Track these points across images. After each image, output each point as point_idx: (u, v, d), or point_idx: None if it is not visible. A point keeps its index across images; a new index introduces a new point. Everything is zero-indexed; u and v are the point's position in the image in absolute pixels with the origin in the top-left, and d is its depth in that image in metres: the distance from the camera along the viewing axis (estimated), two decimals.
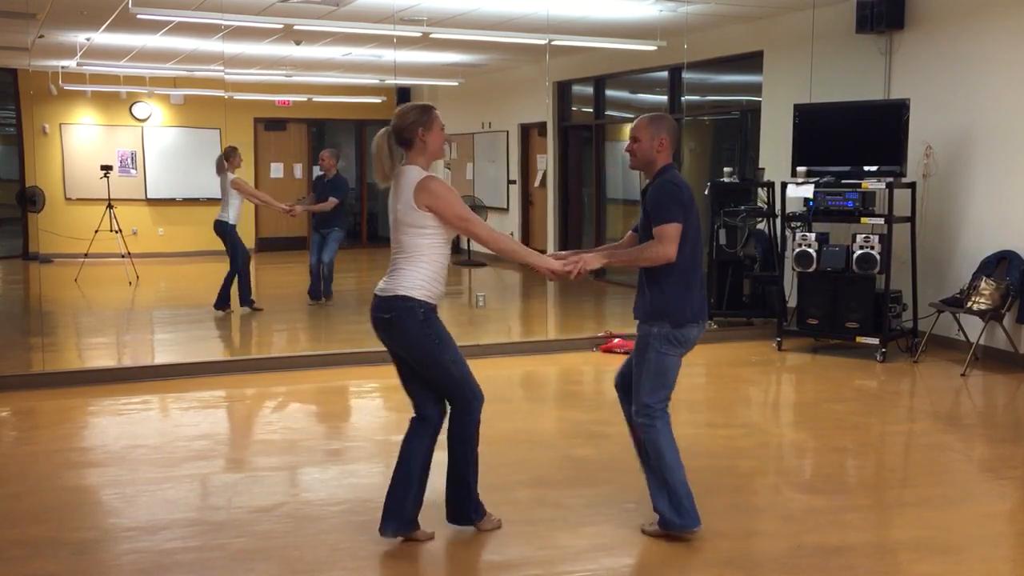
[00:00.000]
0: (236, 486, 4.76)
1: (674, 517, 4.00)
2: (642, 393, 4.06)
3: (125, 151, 15.05)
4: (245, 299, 9.81)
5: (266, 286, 13.10)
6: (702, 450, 5.35)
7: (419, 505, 4.04)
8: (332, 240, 10.34)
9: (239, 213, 9.77)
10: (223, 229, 9.73)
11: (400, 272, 3.88)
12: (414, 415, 4.11)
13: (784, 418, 6.54)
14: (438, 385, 4.02)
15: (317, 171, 11.05)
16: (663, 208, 3.98)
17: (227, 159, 9.74)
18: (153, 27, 9.61)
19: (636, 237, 4.23)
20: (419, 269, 3.87)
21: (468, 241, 14.05)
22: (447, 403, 4.08)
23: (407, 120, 3.98)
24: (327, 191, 10.27)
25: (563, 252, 4.21)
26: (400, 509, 3.99)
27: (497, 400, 6.74)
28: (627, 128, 12.82)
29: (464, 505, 4.10)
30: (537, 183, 13.76)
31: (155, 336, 9.61)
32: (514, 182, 14.07)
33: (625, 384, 4.26)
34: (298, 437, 5.71)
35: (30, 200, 13.88)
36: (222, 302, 9.73)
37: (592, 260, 4.07)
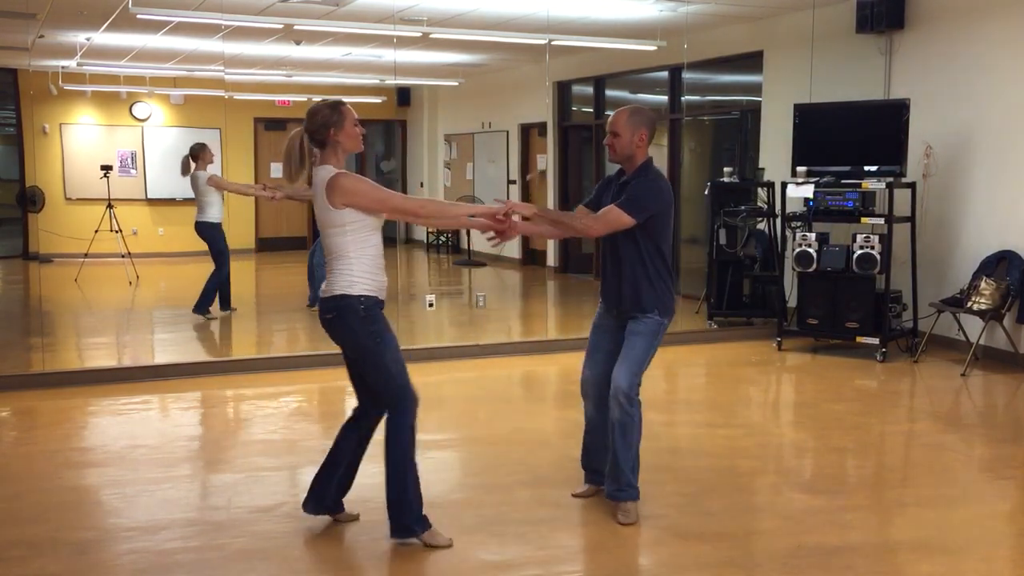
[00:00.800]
0: (236, 486, 4.76)
1: (636, 484, 4.22)
2: (638, 374, 4.16)
3: (125, 151, 15.04)
4: (227, 302, 9.59)
5: (266, 286, 13.11)
6: (702, 450, 5.35)
7: (343, 491, 4.18)
8: None
9: (223, 211, 9.45)
10: (208, 230, 9.36)
11: (334, 273, 3.90)
12: (355, 407, 4.16)
13: (784, 418, 6.54)
14: (373, 383, 3.99)
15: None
16: (635, 201, 4.08)
17: (196, 157, 9.35)
18: (153, 27, 9.60)
19: (586, 212, 4.32)
20: (350, 266, 3.87)
21: (468, 241, 14.07)
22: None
23: (317, 121, 3.91)
24: None
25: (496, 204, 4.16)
26: (323, 491, 4.15)
27: (497, 400, 6.76)
28: None
29: (404, 517, 3.96)
30: (529, 176, 13.78)
31: (155, 336, 9.61)
32: (514, 182, 14.07)
33: (600, 391, 4.31)
34: (298, 437, 5.71)
35: (30, 200, 13.88)
36: (224, 303, 9.56)
37: (524, 208, 4.14)
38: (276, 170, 16.39)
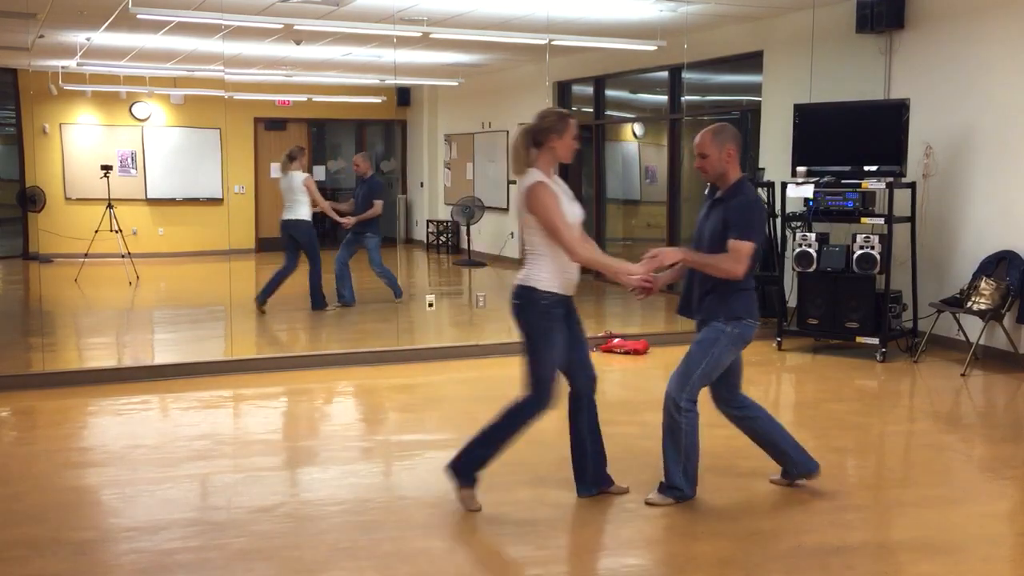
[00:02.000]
0: (236, 486, 4.76)
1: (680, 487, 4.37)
2: (689, 381, 4.31)
3: (125, 151, 15.05)
4: (320, 301, 9.98)
5: None
6: (702, 450, 5.33)
7: (601, 465, 4.48)
8: (372, 249, 10.21)
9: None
10: (301, 227, 9.80)
11: (529, 266, 4.25)
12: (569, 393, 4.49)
13: (784, 418, 6.50)
14: (525, 368, 4.28)
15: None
16: (746, 225, 4.23)
17: (295, 158, 9.87)
18: (153, 27, 9.60)
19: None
20: (543, 263, 4.21)
21: (468, 241, 14.07)
22: (567, 381, 4.40)
23: (543, 124, 4.25)
24: (368, 194, 10.22)
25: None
26: (582, 472, 4.46)
27: (497, 400, 6.73)
28: (627, 128, 12.82)
29: (460, 461, 4.33)
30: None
31: (155, 336, 9.62)
32: (514, 182, 14.05)
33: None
34: (298, 437, 5.71)
35: (30, 200, 13.89)
36: (319, 301, 9.93)
37: (671, 254, 4.28)
38: (276, 170, 16.40)
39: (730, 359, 4.36)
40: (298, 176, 9.83)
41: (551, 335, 4.21)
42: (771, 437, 4.56)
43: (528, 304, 4.20)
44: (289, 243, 9.91)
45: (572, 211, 4.28)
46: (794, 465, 4.57)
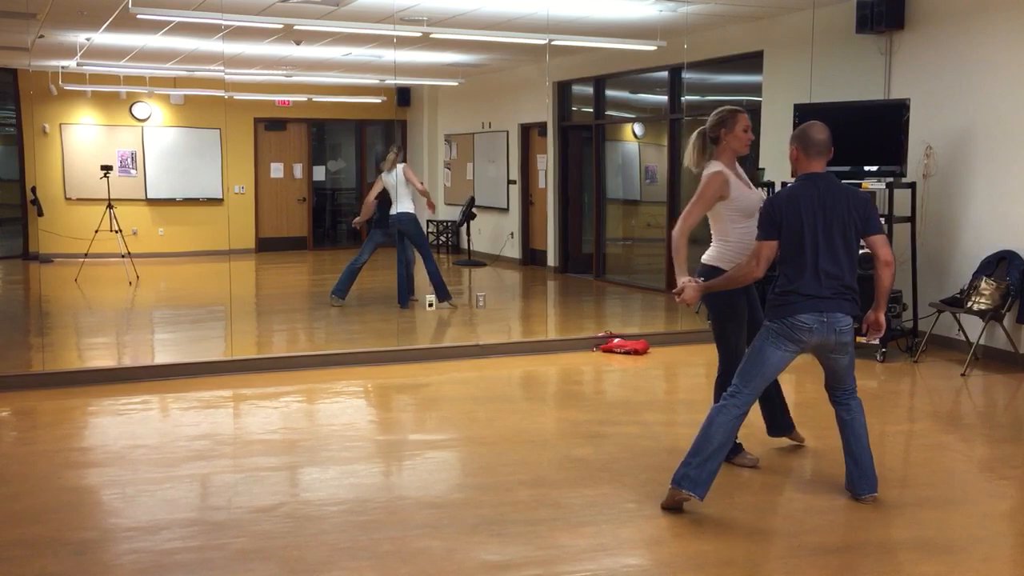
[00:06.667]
0: (236, 486, 4.76)
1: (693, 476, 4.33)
2: (738, 373, 4.44)
3: (125, 151, 15.06)
4: (406, 297, 10.07)
5: (267, 286, 13.11)
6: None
7: (784, 413, 5.17)
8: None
9: None
10: (412, 221, 9.98)
11: (714, 247, 4.74)
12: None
13: None
14: (718, 352, 4.82)
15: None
16: (759, 225, 4.40)
17: (396, 154, 10.11)
18: (153, 27, 9.60)
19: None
20: (724, 245, 4.70)
21: (468, 241, 14.07)
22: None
23: (715, 120, 4.76)
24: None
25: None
26: (771, 419, 5.18)
27: (497, 400, 6.76)
28: (627, 128, 12.81)
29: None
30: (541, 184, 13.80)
31: (155, 336, 9.62)
32: (514, 182, 14.07)
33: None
34: (298, 437, 5.71)
35: (35, 203, 13.92)
36: (443, 293, 10.00)
37: (694, 288, 4.51)
38: (276, 170, 16.43)
39: (775, 356, 4.36)
40: (399, 169, 10.01)
41: (729, 314, 4.70)
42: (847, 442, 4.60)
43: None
44: (399, 237, 10.08)
45: (750, 198, 4.70)
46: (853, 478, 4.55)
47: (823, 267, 4.26)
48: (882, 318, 4.50)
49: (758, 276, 4.36)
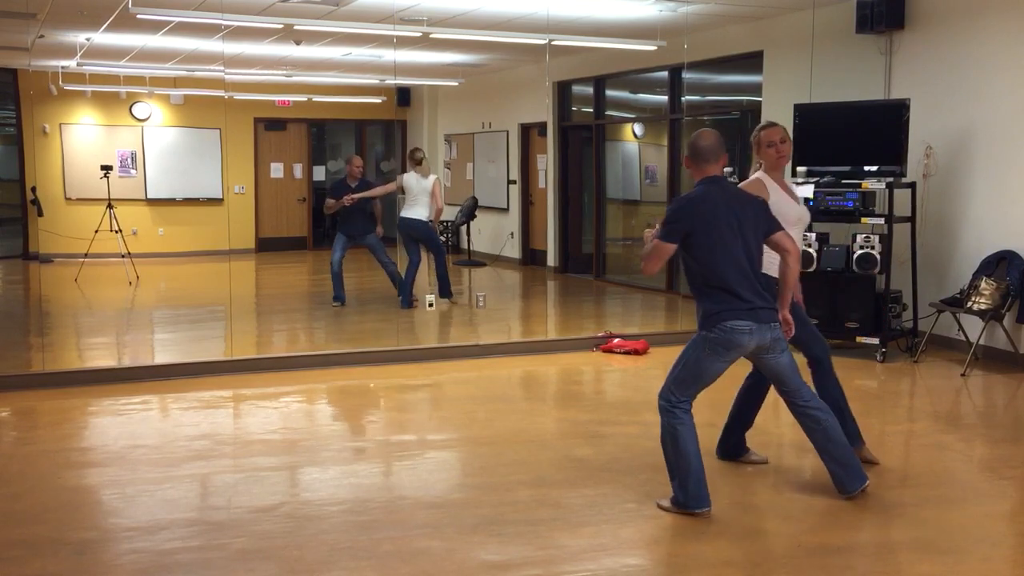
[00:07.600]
0: (236, 486, 4.76)
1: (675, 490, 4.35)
2: (668, 383, 4.42)
3: (125, 151, 15.06)
4: (408, 298, 10.05)
5: (267, 286, 13.11)
6: (702, 450, 5.32)
7: (850, 424, 4.94)
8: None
9: None
10: (422, 226, 10.03)
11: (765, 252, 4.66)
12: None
13: (784, 418, 6.51)
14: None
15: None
16: (663, 223, 4.41)
17: (420, 162, 10.13)
18: (153, 27, 9.60)
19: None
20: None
21: (468, 241, 14.07)
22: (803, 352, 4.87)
23: (751, 139, 4.99)
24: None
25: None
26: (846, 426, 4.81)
27: (497, 400, 6.76)
28: (627, 128, 12.84)
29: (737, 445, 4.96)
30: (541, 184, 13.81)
31: (155, 336, 9.61)
32: (514, 182, 14.07)
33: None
34: (298, 437, 5.71)
35: (35, 203, 13.92)
36: (447, 291, 10.23)
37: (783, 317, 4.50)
38: (276, 170, 16.43)
39: (713, 367, 4.32)
40: (431, 178, 10.09)
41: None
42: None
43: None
44: (408, 240, 10.11)
45: (790, 209, 4.80)
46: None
47: (745, 268, 4.25)
48: (788, 315, 4.48)
49: (650, 274, 4.44)
